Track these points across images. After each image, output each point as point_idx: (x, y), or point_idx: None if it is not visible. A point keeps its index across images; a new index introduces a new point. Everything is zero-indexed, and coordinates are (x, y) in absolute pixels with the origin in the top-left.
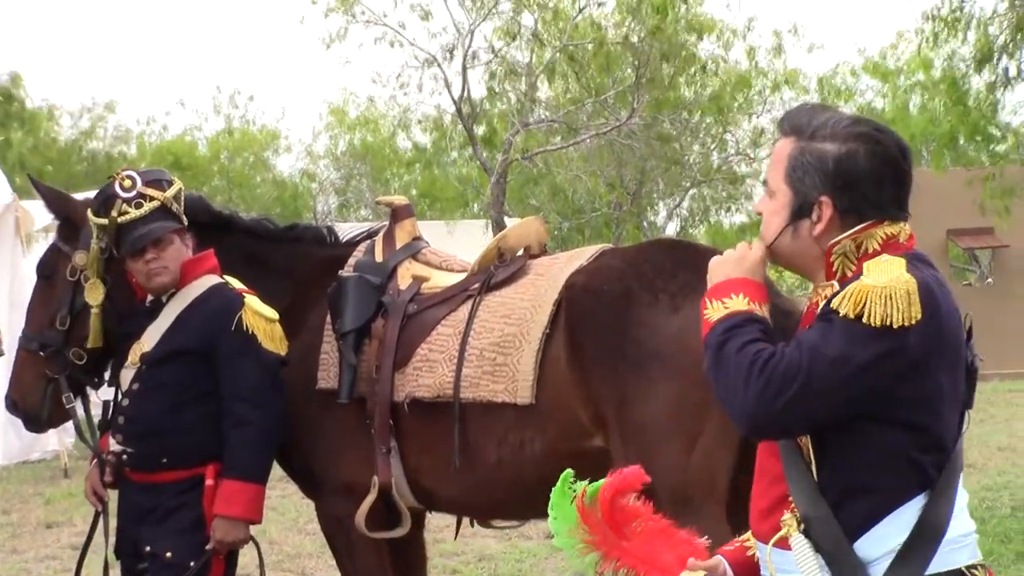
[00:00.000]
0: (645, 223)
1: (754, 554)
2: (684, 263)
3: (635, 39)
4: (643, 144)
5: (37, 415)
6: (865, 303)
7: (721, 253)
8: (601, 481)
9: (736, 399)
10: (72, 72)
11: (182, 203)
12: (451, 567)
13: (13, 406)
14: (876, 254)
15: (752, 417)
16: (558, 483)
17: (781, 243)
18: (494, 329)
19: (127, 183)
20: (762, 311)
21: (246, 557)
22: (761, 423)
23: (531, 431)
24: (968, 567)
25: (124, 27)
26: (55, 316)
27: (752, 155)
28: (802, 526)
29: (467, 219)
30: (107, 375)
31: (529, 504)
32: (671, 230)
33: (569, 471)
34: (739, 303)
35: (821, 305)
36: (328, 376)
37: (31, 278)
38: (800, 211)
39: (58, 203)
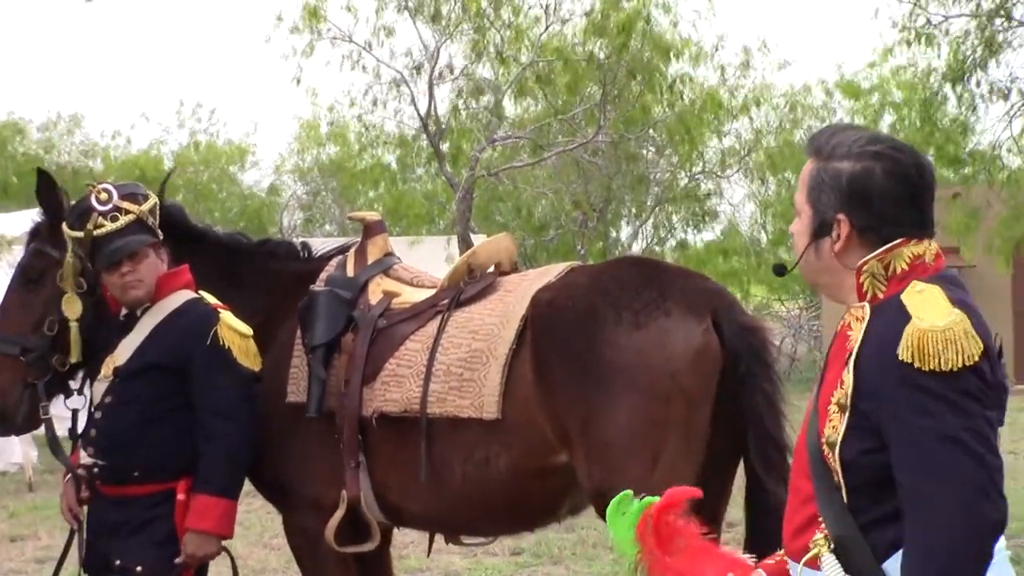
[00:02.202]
0: (610, 240)
1: None
2: (648, 281)
3: (601, 56)
4: (609, 162)
5: (13, 417)
6: (934, 352)
7: (686, 271)
8: (647, 500)
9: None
10: (36, 86)
11: (157, 217)
12: None
13: None
14: (905, 275)
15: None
16: (616, 497)
17: (806, 262)
18: (462, 345)
19: (103, 196)
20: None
21: (213, 572)
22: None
23: (497, 447)
24: None
25: (88, 41)
26: (42, 321)
27: (719, 174)
28: (832, 546)
29: (432, 235)
30: (75, 385)
31: (496, 520)
32: (637, 248)
33: (628, 492)
34: None
35: (862, 326)
36: (298, 390)
37: None
38: (820, 230)
39: (58, 210)
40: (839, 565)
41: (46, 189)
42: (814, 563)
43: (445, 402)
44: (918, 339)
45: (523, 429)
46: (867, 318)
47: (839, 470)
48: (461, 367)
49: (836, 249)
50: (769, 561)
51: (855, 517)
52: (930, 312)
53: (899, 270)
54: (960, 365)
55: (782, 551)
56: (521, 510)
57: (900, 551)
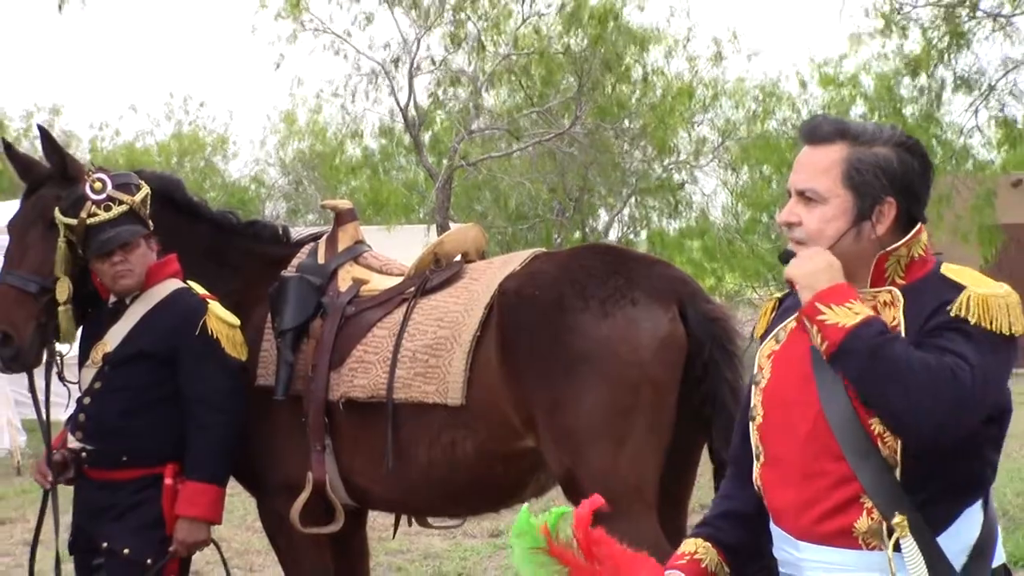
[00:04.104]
0: (587, 229)
1: (707, 565)
2: (615, 269)
3: (576, 49)
4: (585, 152)
5: (28, 353)
6: (993, 313)
7: (653, 259)
8: (560, 510)
9: (924, 408)
10: (26, 78)
11: (148, 207)
12: (396, 564)
13: (5, 338)
14: (922, 261)
15: (946, 426)
16: (520, 516)
17: (841, 246)
18: (427, 332)
19: (97, 185)
20: None
21: (199, 555)
22: (952, 432)
23: (462, 432)
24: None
25: (76, 34)
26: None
27: (693, 163)
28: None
29: (412, 224)
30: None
31: (461, 503)
32: (613, 236)
33: (526, 506)
34: (865, 309)
35: (895, 310)
36: (267, 373)
37: None
38: (864, 213)
39: (68, 160)
40: (917, 545)
41: (48, 143)
42: (865, 543)
43: (411, 388)
44: (980, 300)
45: (488, 414)
46: (901, 302)
47: (899, 449)
48: (427, 354)
49: (879, 232)
50: (680, 562)
51: (911, 496)
52: (981, 282)
53: (917, 256)
54: (1010, 331)
55: (689, 550)
56: (487, 492)
57: (952, 526)
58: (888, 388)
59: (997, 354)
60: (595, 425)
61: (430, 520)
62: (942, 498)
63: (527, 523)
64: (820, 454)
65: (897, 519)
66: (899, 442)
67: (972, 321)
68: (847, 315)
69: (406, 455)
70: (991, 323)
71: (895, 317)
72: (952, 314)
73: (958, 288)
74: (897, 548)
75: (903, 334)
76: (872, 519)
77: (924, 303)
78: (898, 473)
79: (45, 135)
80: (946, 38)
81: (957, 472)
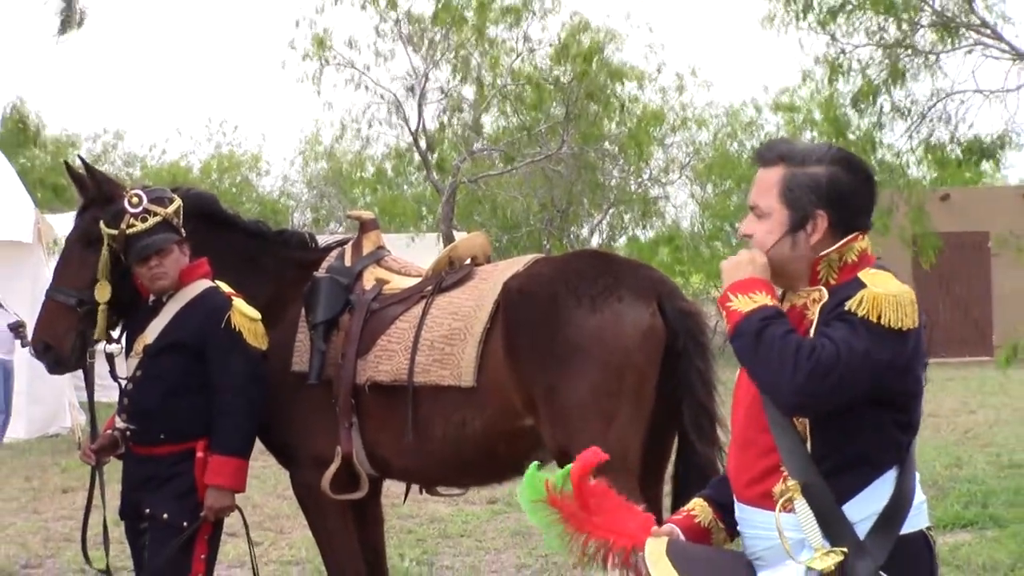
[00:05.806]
0: (572, 237)
1: (700, 521)
2: (604, 270)
3: (564, 81)
4: (570, 171)
5: (67, 359)
6: (881, 308)
7: (636, 262)
8: (565, 468)
9: (784, 379)
10: (89, 106)
11: (181, 218)
12: (406, 527)
13: (46, 348)
14: (855, 265)
15: (802, 395)
16: (528, 471)
17: (779, 252)
18: (443, 324)
19: (135, 200)
20: (781, 307)
21: (231, 517)
22: (807, 402)
23: (472, 411)
24: (926, 529)
25: (134, 65)
26: (97, 278)
27: (664, 180)
28: (801, 491)
29: (422, 233)
30: (115, 334)
31: (469, 474)
32: (594, 243)
33: (536, 463)
34: (765, 299)
35: (818, 305)
36: (301, 361)
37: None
38: (797, 225)
39: (104, 183)
40: (810, 507)
41: (90, 173)
42: (787, 506)
43: (429, 372)
44: (870, 297)
45: (495, 396)
46: (824, 299)
47: (807, 423)
48: (443, 343)
49: (813, 241)
50: (677, 517)
51: (818, 465)
52: (882, 284)
53: (850, 261)
54: (899, 325)
55: (688, 507)
56: (492, 466)
57: (859, 495)
58: (761, 361)
59: (879, 342)
60: (586, 406)
61: (439, 489)
62: (846, 470)
63: (533, 476)
64: (754, 426)
65: (790, 484)
66: (807, 418)
67: (860, 314)
68: (747, 303)
69: (424, 431)
70: (878, 317)
71: (813, 312)
72: (845, 308)
73: (861, 287)
74: (793, 510)
75: (815, 323)
76: (786, 485)
77: (836, 300)
78: (808, 446)
79: (84, 165)
80: (884, 74)
81: (857, 448)
